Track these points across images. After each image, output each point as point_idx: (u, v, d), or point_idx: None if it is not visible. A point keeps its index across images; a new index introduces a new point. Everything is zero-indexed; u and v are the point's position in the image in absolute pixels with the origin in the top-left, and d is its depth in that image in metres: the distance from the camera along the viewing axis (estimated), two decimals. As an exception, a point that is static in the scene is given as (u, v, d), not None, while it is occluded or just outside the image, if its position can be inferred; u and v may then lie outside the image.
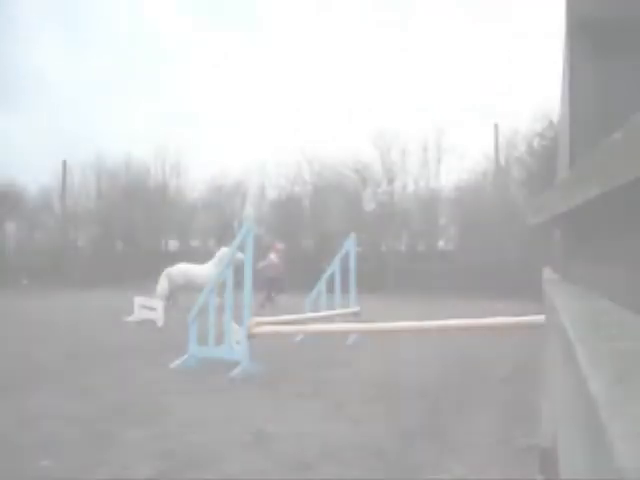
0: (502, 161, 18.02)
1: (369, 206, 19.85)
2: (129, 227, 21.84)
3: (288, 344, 7.14)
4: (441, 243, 19.64)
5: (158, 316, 9.17)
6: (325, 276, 8.13)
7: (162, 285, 10.30)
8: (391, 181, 19.33)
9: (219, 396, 4.47)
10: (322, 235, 19.67)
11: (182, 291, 10.48)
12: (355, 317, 7.69)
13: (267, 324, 5.78)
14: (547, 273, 3.66)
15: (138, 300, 9.80)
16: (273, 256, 12.55)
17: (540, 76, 24.72)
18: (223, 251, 10.08)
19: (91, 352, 6.44)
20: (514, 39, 35.07)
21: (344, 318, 7.76)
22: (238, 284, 5.74)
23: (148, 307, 9.58)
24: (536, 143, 15.80)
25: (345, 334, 7.37)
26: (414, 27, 35.98)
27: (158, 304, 9.37)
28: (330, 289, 8.05)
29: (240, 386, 4.84)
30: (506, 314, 6.28)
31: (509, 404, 4.28)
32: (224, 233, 20.92)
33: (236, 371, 5.23)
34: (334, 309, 7.71)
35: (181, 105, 35.53)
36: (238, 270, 5.86)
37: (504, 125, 17.77)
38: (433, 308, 11.71)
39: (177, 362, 5.64)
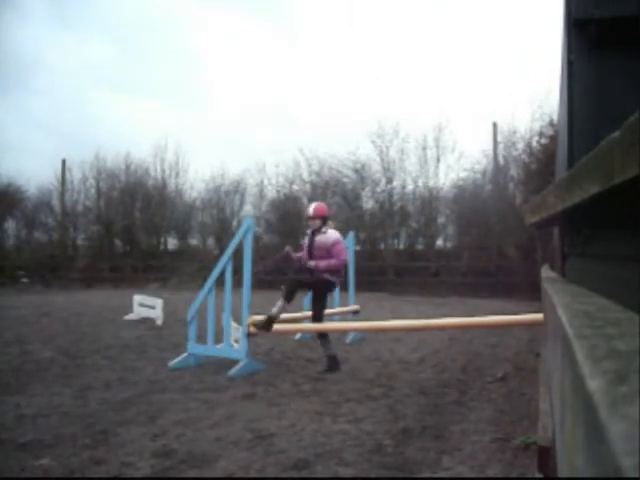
0: (501, 160, 18.01)
1: (368, 205, 19.83)
2: (128, 226, 21.82)
3: (287, 342, 7.15)
4: (440, 242, 19.63)
5: (157, 314, 9.16)
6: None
7: None
8: (390, 180, 19.31)
9: (218, 394, 4.47)
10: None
11: None
12: (354, 315, 7.69)
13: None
14: (545, 271, 3.67)
15: (137, 298, 9.80)
16: None
17: (540, 75, 24.73)
18: None
19: (90, 350, 6.43)
20: (514, 37, 35.11)
21: (343, 316, 7.76)
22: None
23: (147, 305, 9.57)
24: (535, 142, 15.79)
25: (344, 332, 7.38)
26: (413, 26, 36.01)
27: (157, 302, 9.35)
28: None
29: (239, 384, 4.84)
30: (504, 312, 6.32)
31: (505, 401, 4.28)
32: (223, 232, 20.92)
33: (235, 369, 5.23)
34: (333, 307, 7.71)
35: (180, 104, 35.55)
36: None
37: (503, 124, 17.77)
38: (432, 306, 11.72)
39: (176, 360, 5.64)
